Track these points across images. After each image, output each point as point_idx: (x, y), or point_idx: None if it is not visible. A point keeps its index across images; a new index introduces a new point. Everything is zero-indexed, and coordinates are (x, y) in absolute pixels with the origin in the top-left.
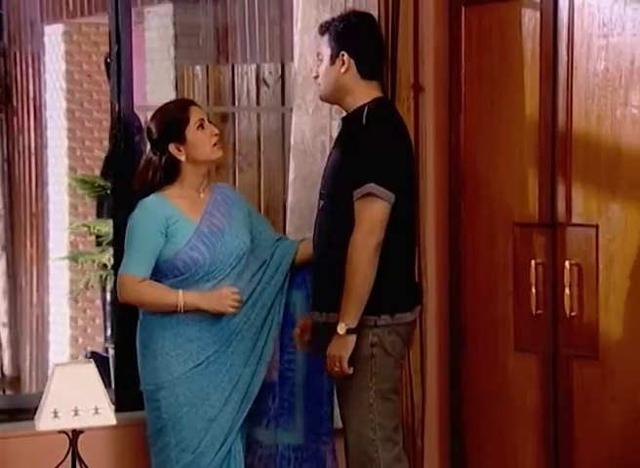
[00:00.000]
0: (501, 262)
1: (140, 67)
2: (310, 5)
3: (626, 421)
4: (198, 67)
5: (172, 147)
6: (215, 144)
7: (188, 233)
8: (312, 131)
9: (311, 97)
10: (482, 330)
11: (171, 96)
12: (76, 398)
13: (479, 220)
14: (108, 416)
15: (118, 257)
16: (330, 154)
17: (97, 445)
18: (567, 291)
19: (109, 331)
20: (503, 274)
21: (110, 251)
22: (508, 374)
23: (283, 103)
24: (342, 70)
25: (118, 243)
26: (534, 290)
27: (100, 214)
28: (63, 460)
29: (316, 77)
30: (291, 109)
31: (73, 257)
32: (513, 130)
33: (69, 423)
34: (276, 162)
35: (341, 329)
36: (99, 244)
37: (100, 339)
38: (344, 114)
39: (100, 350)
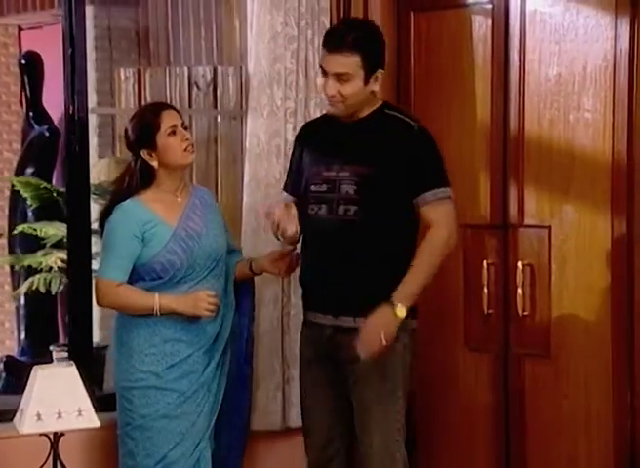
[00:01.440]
0: (452, 263)
1: (57, 70)
2: (265, 10)
3: (579, 418)
4: (128, 70)
5: (144, 153)
6: (186, 149)
7: (165, 237)
8: (267, 134)
9: (266, 101)
10: (433, 329)
11: (92, 98)
12: (59, 400)
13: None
14: (92, 419)
15: (72, 261)
16: (343, 156)
17: (75, 445)
18: (519, 290)
19: (23, 335)
20: (454, 274)
21: (56, 253)
22: (459, 373)
23: (215, 107)
24: (376, 87)
25: (72, 246)
26: (485, 290)
27: (46, 217)
28: (44, 463)
29: (333, 96)
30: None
31: (17, 260)
32: (464, 133)
33: (53, 426)
34: (208, 165)
35: (403, 312)
36: (41, 246)
37: (10, 343)
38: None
39: (12, 354)
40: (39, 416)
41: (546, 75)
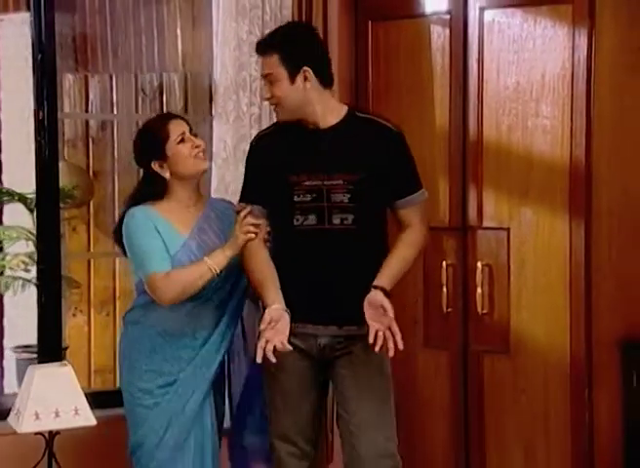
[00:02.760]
0: (412, 263)
1: None
2: (230, 19)
3: (537, 413)
4: (74, 76)
5: (154, 165)
6: (196, 156)
7: (176, 247)
8: (233, 139)
9: (232, 107)
10: None
11: (30, 104)
12: (56, 400)
13: (389, 224)
14: (88, 417)
15: (41, 263)
16: (326, 161)
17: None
18: (479, 290)
19: None
20: (414, 274)
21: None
22: (419, 370)
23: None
24: (308, 86)
25: (42, 249)
26: (445, 289)
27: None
28: (40, 461)
29: (270, 98)
30: None
31: None
32: (424, 139)
33: (51, 425)
34: None
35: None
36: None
37: None
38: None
39: None
40: (37, 415)
41: (505, 83)
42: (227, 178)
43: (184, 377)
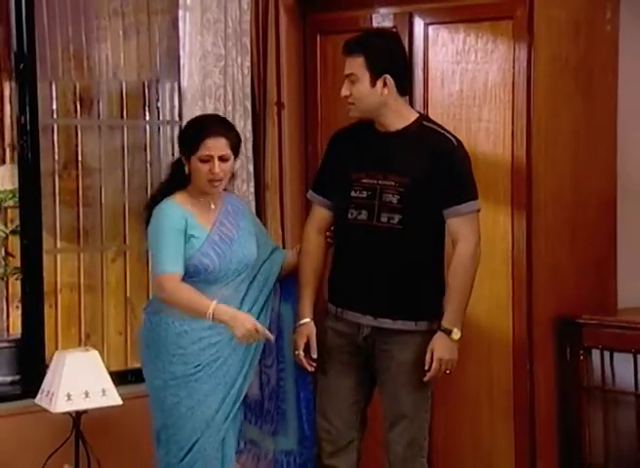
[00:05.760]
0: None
1: None
2: (196, 31)
3: (482, 384)
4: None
5: (182, 156)
6: (210, 181)
7: (201, 239)
8: None
9: (198, 113)
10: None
11: None
12: (85, 382)
13: None
14: (115, 397)
15: (25, 261)
16: (388, 166)
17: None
18: None
19: None
20: None
21: None
22: None
23: (99, 117)
24: (386, 92)
25: (25, 247)
26: None
27: None
28: (68, 439)
29: (347, 96)
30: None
31: None
32: None
33: (82, 404)
34: (95, 170)
35: (457, 334)
36: None
37: None
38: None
39: None
40: (69, 396)
41: (449, 91)
42: None
43: (225, 360)
